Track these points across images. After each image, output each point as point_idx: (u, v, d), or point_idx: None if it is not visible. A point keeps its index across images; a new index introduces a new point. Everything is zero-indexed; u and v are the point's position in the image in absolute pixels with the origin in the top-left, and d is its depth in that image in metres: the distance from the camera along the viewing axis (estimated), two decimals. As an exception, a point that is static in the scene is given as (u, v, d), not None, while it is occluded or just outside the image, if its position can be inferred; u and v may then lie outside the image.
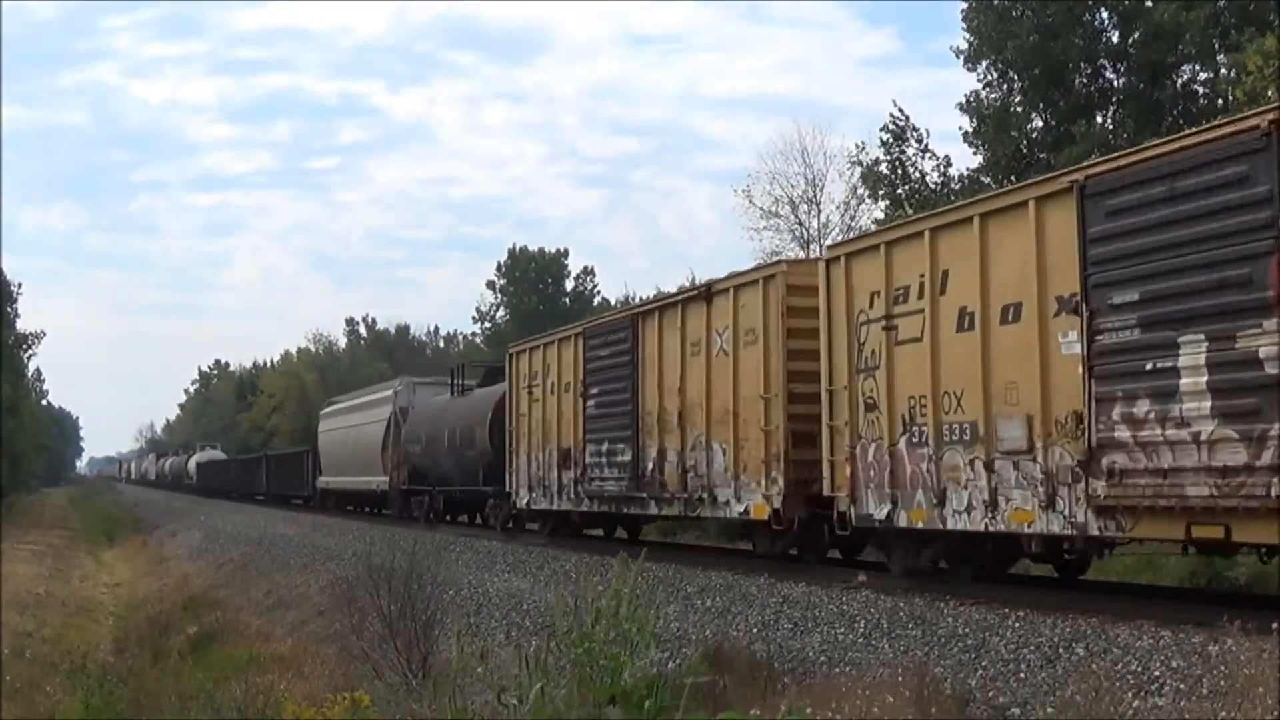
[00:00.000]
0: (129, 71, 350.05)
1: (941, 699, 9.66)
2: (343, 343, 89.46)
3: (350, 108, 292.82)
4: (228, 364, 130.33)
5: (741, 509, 16.12)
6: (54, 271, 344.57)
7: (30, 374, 77.59)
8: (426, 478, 29.89)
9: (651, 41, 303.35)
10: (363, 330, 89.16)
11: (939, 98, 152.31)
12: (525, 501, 23.05)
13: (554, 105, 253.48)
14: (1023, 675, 9.98)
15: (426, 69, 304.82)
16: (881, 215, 31.08)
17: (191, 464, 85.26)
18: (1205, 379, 9.81)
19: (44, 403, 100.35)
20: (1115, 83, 27.71)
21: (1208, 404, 9.77)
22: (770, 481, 15.40)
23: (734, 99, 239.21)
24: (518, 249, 74.82)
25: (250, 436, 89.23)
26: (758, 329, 15.79)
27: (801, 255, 34.69)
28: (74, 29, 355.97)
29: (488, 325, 73.99)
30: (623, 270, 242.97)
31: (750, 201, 39.35)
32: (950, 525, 12.59)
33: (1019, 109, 28.10)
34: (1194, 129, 11.23)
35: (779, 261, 18.71)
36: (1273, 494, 9.23)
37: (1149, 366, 10.26)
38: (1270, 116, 9.41)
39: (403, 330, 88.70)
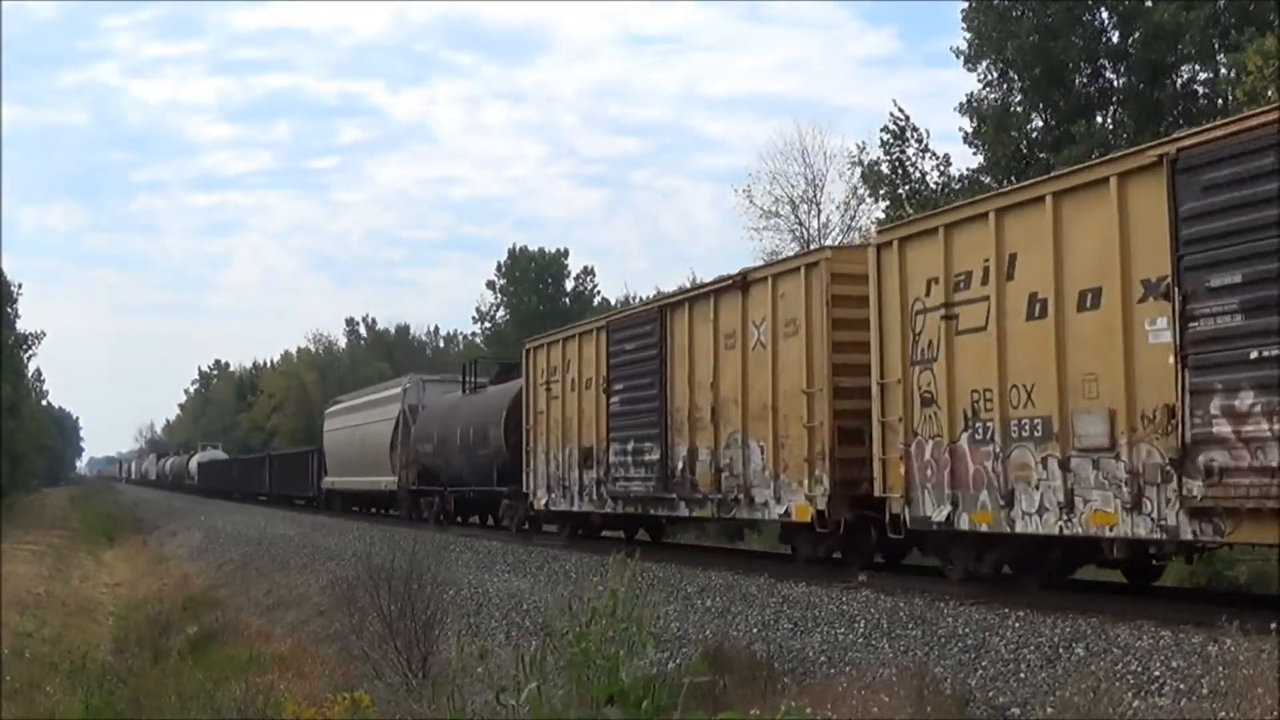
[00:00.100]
0: (129, 71, 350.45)
1: (941, 699, 9.66)
2: (343, 343, 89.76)
3: (350, 108, 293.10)
4: (228, 364, 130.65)
5: (781, 510, 15.28)
6: (54, 271, 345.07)
7: (30, 374, 77.71)
8: (437, 478, 29.26)
9: (651, 41, 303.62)
10: (363, 330, 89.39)
11: (939, 98, 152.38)
12: (544, 502, 22.30)
13: (554, 105, 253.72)
14: (1023, 675, 9.98)
15: (426, 69, 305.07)
16: (882, 215, 31.12)
17: (193, 464, 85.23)
18: None
19: (44, 403, 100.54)
20: (1115, 83, 27.70)
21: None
22: (814, 481, 14.57)
23: (734, 99, 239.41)
24: (518, 249, 74.87)
25: (250, 437, 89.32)
26: (799, 319, 14.99)
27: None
28: (74, 29, 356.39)
29: (488, 325, 74.02)
30: (623, 270, 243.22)
31: (750, 201, 39.47)
32: (1019, 528, 11.74)
33: (1019, 109, 28.10)
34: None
35: (823, 248, 17.82)
36: None
37: (1253, 355, 9.47)
38: None
39: (403, 330, 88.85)
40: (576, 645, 5.84)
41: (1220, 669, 8.76)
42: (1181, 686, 8.79)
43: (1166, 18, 25.00)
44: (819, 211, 39.52)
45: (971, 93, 28.23)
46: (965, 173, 28.74)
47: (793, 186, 39.64)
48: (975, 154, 28.61)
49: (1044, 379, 11.43)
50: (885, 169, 29.59)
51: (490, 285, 74.26)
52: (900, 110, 29.28)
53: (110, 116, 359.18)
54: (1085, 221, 11.09)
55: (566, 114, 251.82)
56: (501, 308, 73.59)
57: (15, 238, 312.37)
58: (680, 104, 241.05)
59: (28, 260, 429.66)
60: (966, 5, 28.15)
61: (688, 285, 24.31)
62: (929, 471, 12.87)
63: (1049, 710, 9.17)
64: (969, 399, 12.36)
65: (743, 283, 16.29)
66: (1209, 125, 10.74)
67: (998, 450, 11.95)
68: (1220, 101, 24.06)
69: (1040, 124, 28.18)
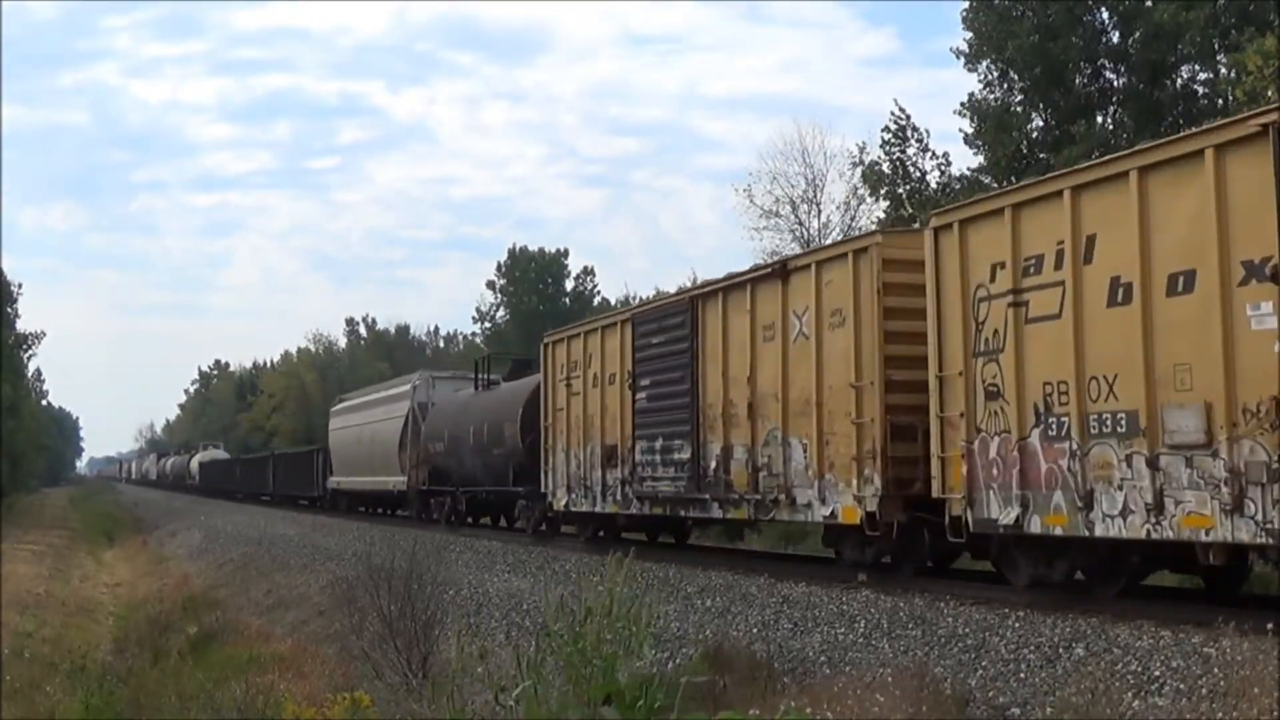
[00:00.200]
0: (129, 71, 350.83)
1: (941, 699, 9.66)
2: (343, 343, 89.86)
3: (350, 108, 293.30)
4: (228, 364, 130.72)
5: (827, 512, 14.34)
6: (54, 271, 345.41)
7: (30, 374, 77.75)
8: (449, 478, 28.22)
9: (651, 41, 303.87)
10: (363, 330, 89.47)
11: (939, 98, 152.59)
12: (564, 503, 21.36)
13: (554, 105, 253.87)
14: (1023, 675, 9.98)
15: (426, 69, 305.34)
16: (882, 215, 31.16)
17: (194, 464, 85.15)
18: None
19: (44, 403, 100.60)
20: (1115, 83, 27.74)
21: None
22: (863, 481, 13.66)
23: (734, 99, 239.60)
24: (518, 249, 74.98)
25: (250, 436, 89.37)
26: (846, 309, 14.10)
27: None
28: (74, 29, 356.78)
29: (488, 325, 74.08)
30: (623, 270, 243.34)
31: (751, 201, 39.43)
32: (1099, 532, 10.82)
33: (1019, 109, 28.13)
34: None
35: (873, 232, 16.89)
36: None
37: None
38: None
39: (403, 330, 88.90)
40: (573, 645, 5.84)
41: (1219, 669, 8.77)
42: (1181, 687, 8.80)
43: (1166, 18, 25.03)
44: (819, 211, 39.57)
45: (972, 93, 28.33)
46: (965, 172, 28.82)
47: (793, 186, 39.67)
48: (976, 154, 28.70)
49: (1128, 370, 10.55)
50: (886, 169, 29.64)
51: (490, 285, 74.49)
52: (901, 110, 29.40)
53: (110, 116, 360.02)
54: (1175, 199, 10.25)
55: (566, 114, 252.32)
56: (501, 308, 73.72)
57: (15, 238, 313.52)
58: (680, 104, 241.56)
59: (28, 260, 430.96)
60: (966, 5, 28.23)
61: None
62: (995, 470, 11.97)
63: (1049, 710, 9.17)
64: (1040, 392, 11.48)
65: (783, 270, 15.48)
66: None
67: (1074, 447, 11.05)
68: (1220, 101, 24.07)
69: (1040, 124, 28.23)
